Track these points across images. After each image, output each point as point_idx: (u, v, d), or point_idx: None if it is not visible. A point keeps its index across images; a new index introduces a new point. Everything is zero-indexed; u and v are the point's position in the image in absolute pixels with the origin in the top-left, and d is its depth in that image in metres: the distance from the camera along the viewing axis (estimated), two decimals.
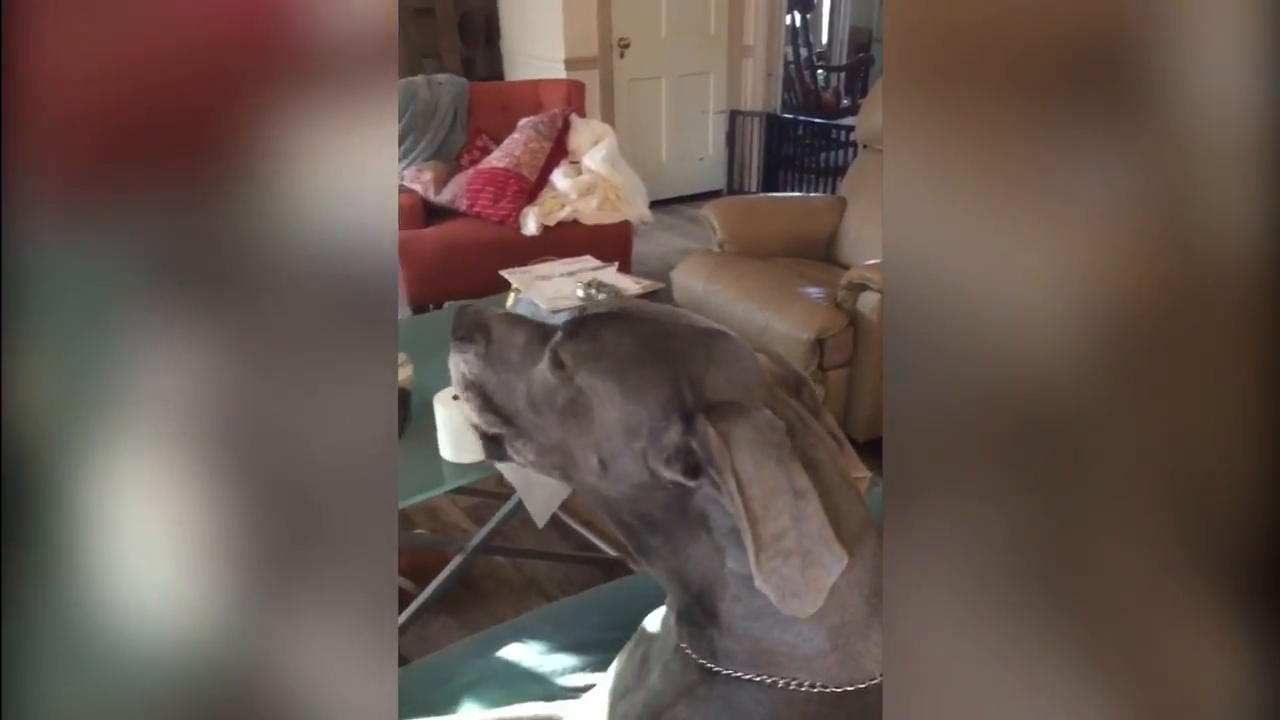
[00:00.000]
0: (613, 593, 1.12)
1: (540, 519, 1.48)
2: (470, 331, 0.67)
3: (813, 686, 0.59)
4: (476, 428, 0.68)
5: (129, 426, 0.42)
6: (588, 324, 0.62)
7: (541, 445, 0.64)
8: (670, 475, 0.58)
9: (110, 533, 0.42)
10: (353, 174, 0.45)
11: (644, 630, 0.80)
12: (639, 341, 0.60)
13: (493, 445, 0.68)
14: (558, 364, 0.62)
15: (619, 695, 0.73)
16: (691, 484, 0.57)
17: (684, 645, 0.67)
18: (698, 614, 0.64)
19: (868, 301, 2.32)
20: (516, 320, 0.67)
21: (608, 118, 4.60)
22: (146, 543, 0.42)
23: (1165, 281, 0.38)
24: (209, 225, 0.42)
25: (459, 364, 0.67)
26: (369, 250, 0.45)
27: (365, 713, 0.46)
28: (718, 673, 0.63)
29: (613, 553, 2.03)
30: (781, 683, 0.60)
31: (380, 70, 0.45)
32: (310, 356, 0.44)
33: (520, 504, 1.77)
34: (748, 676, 0.61)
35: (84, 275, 0.41)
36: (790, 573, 0.54)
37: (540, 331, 0.66)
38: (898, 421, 0.42)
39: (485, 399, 0.67)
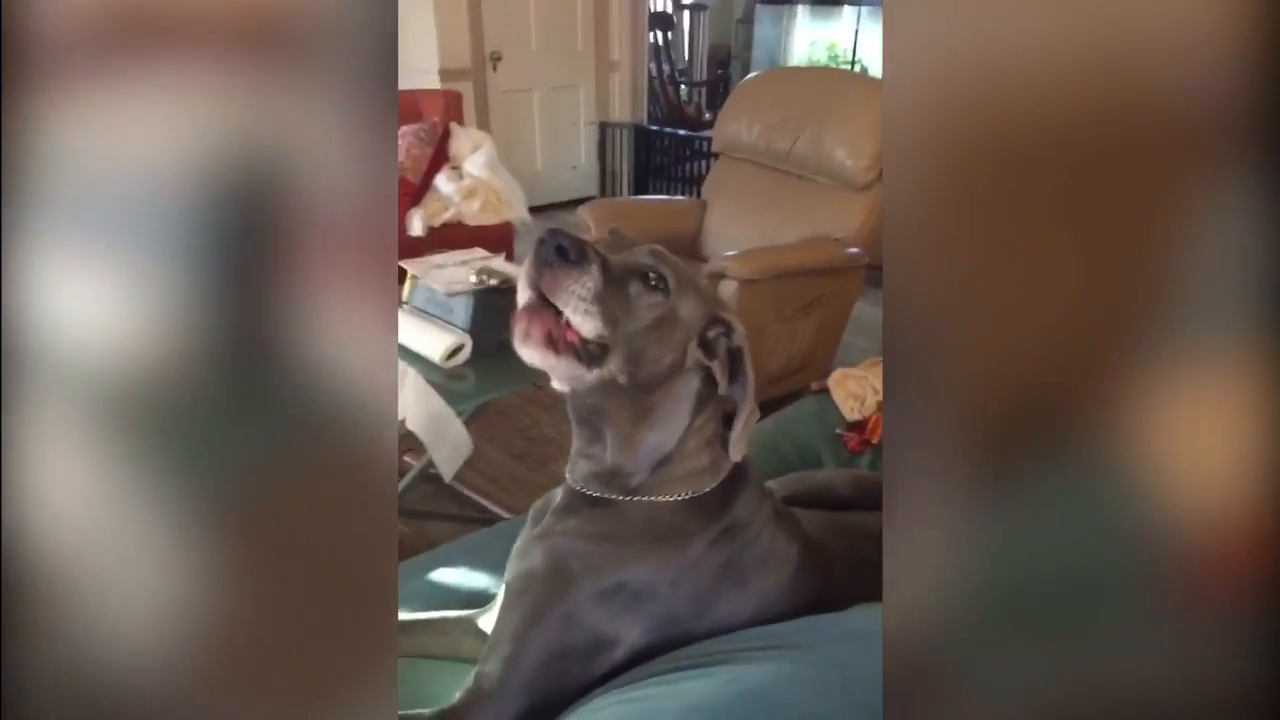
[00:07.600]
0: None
1: (448, 472, 1.65)
2: (586, 253, 0.75)
3: (682, 495, 0.84)
4: (588, 342, 0.76)
5: None
6: (663, 255, 0.82)
7: (633, 351, 0.78)
8: (705, 360, 0.82)
9: None
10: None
11: (534, 510, 0.96)
12: (684, 269, 0.83)
13: (598, 355, 0.77)
14: (659, 286, 0.79)
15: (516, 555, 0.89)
16: (712, 364, 0.82)
17: (581, 487, 0.86)
18: (632, 467, 0.83)
19: (726, 289, 2.63)
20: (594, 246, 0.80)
21: (483, 128, 4.73)
22: None
23: None
24: None
25: (584, 283, 0.74)
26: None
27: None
28: (611, 498, 0.84)
29: (507, 515, 2.24)
30: (663, 498, 0.83)
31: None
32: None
33: (419, 475, 1.93)
34: (637, 498, 0.84)
35: None
36: (743, 431, 0.83)
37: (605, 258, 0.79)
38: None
39: (608, 314, 0.76)
